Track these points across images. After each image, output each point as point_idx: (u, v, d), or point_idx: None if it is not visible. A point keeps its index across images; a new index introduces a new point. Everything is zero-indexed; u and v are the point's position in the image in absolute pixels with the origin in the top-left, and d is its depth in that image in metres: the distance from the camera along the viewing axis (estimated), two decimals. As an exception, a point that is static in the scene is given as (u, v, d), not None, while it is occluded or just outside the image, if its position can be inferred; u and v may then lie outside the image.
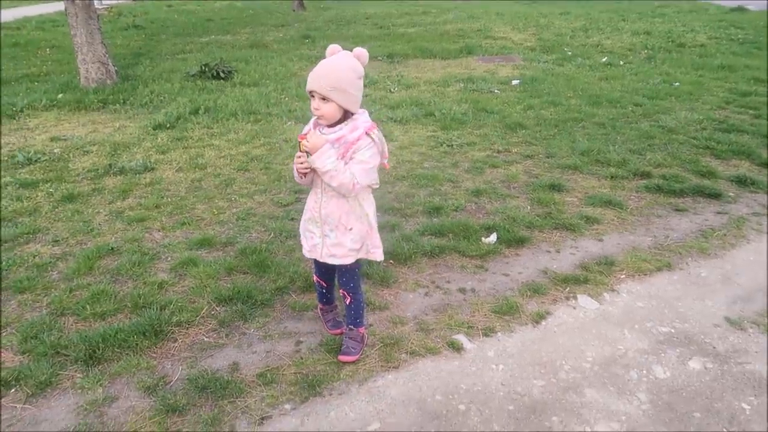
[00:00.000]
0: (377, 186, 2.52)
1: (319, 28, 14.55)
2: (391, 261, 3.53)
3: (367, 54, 2.39)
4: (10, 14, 18.42)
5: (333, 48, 2.41)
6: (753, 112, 6.67)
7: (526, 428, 2.32)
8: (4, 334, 2.90)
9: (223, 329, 2.92)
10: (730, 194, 4.49)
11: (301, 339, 2.85)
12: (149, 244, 3.83)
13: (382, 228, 3.89)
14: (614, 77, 8.70)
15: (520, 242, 3.75)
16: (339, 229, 2.49)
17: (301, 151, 2.35)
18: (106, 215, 4.28)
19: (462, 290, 3.25)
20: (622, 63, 9.85)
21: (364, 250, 2.59)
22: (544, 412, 2.40)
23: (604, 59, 10.16)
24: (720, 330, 2.91)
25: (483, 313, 3.04)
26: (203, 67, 8.92)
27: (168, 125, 6.55)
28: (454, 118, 6.64)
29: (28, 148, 5.70)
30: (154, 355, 2.73)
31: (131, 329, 2.83)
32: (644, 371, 2.62)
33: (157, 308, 3.04)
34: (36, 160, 5.39)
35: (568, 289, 3.25)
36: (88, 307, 3.07)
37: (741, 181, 4.68)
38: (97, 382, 2.53)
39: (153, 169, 5.22)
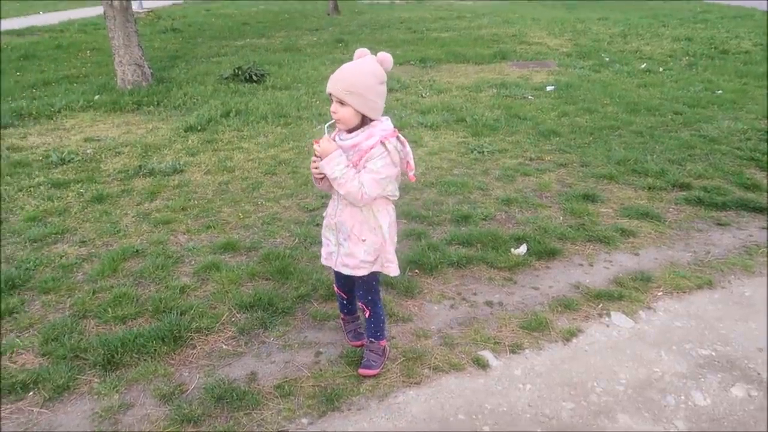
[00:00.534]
0: (395, 197, 2.43)
1: (352, 32, 14.56)
2: (416, 271, 3.43)
3: (391, 59, 2.31)
4: (55, 17, 18.98)
5: (360, 52, 2.34)
6: (802, 122, 6.36)
7: (554, 454, 2.20)
8: (26, 335, 2.91)
9: (242, 337, 2.86)
10: (777, 208, 4.26)
11: (321, 350, 2.77)
12: (174, 247, 3.82)
13: (408, 235, 3.84)
14: (653, 84, 8.42)
15: (551, 254, 3.60)
16: (351, 239, 2.42)
17: (315, 155, 2.29)
18: (133, 217, 4.29)
19: (489, 303, 3.13)
20: (661, 69, 9.54)
21: (378, 263, 2.49)
22: (573, 437, 2.27)
23: (642, 66, 9.87)
24: (765, 354, 2.73)
25: (510, 328, 2.92)
26: (236, 70, 8.98)
27: (199, 127, 6.59)
28: (485, 124, 6.51)
29: (62, 148, 5.80)
30: (172, 361, 2.69)
31: (151, 334, 2.80)
32: (682, 397, 2.46)
33: (177, 313, 3.00)
34: (69, 161, 5.46)
35: (601, 305, 3.09)
36: (109, 310, 3.06)
37: (789, 195, 4.44)
38: (113, 388, 2.50)
39: (182, 171, 5.24)
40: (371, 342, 2.65)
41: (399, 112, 6.96)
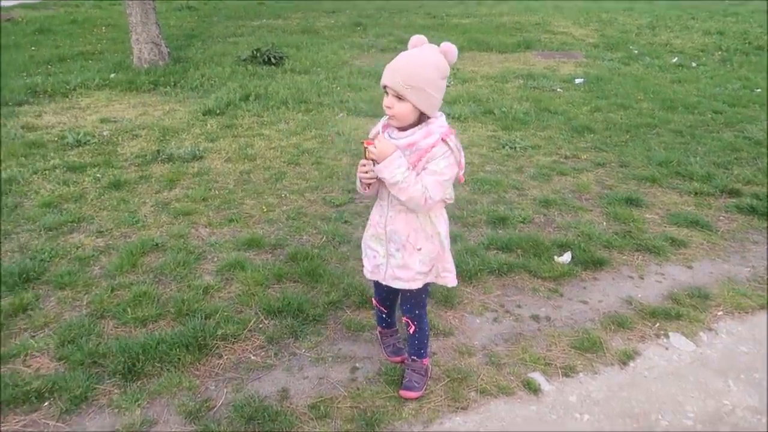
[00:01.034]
0: (452, 201, 2.20)
1: (370, 16, 14.20)
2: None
3: (456, 51, 2.07)
4: (68, -9, 18.64)
5: (417, 39, 2.09)
6: None
7: (621, 499, 1.99)
8: (41, 335, 2.71)
9: (271, 347, 2.65)
10: (835, 221, 3.99)
11: (357, 365, 2.56)
12: (195, 241, 3.61)
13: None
14: (687, 80, 8.09)
15: (598, 264, 3.37)
16: (406, 249, 2.19)
17: (366, 158, 2.05)
18: (152, 206, 4.08)
19: (535, 318, 2.91)
20: (694, 65, 9.19)
21: (433, 273, 2.28)
22: (641, 479, 2.06)
23: (674, 60, 9.51)
24: (842, 388, 2.50)
25: (561, 347, 2.69)
26: (254, 52, 8.71)
27: (218, 111, 6.35)
28: (515, 118, 6.24)
29: (78, 129, 5.57)
30: (197, 372, 2.49)
31: (174, 341, 2.60)
32: (758, 436, 2.24)
33: (201, 317, 2.80)
34: (85, 143, 5.25)
35: (657, 324, 2.86)
36: (129, 310, 2.86)
37: None
38: (135, 402, 2.30)
39: (201, 157, 5.01)
40: (413, 360, 2.44)
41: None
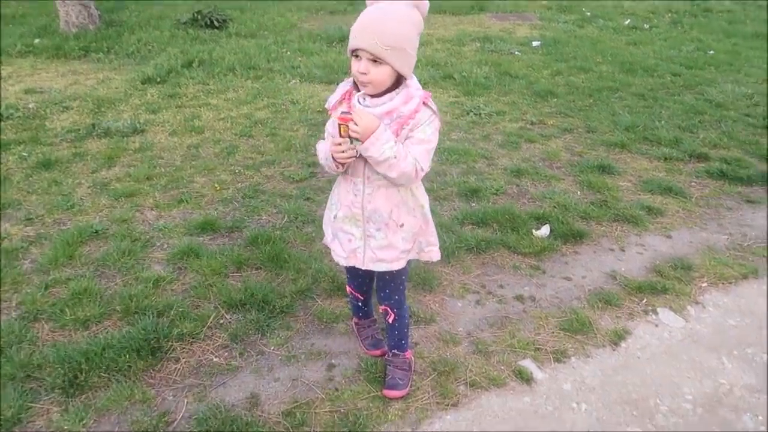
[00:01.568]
0: (427, 170, 1.94)
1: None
2: (430, 257, 2.98)
3: (428, 4, 1.79)
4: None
5: None
6: (802, 86, 6.12)
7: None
8: (-38, 344, 2.33)
9: (235, 345, 2.37)
10: (801, 183, 3.98)
11: (333, 362, 2.32)
12: (141, 226, 3.24)
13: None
14: (642, 42, 8.04)
15: (577, 237, 3.21)
16: (389, 227, 1.94)
17: (342, 135, 1.76)
18: (89, 187, 3.66)
19: (519, 298, 2.73)
20: (647, 27, 9.17)
21: (415, 249, 2.05)
22: (647, 472, 1.92)
23: (627, 22, 9.46)
24: (832, 359, 2.44)
25: (550, 330, 2.53)
26: (195, 15, 8.10)
27: (158, 79, 5.85)
28: (477, 83, 6.01)
29: (-3, 101, 4.99)
30: (152, 381, 2.18)
31: (122, 345, 2.27)
32: (760, 417, 2.14)
33: (153, 315, 2.48)
34: (8, 117, 4.71)
35: (645, 300, 2.74)
36: (67, 310, 2.50)
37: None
38: (79, 421, 1.99)
39: (143, 131, 4.57)
40: (395, 354, 2.21)
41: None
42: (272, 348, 2.37)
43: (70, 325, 2.44)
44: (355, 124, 1.71)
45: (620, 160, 4.27)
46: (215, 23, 8.06)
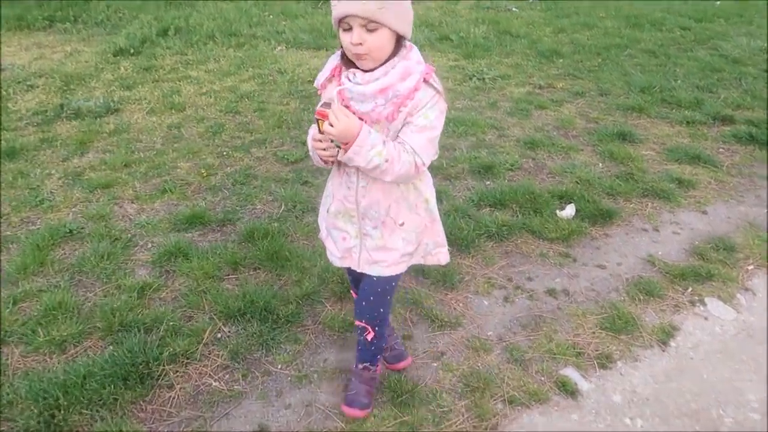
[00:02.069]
0: (436, 157, 1.62)
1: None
2: (449, 247, 2.67)
3: None
4: None
5: None
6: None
7: None
8: None
9: (237, 365, 2.07)
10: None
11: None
12: (121, 222, 2.89)
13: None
14: (644, -7, 7.64)
15: (606, 217, 2.92)
16: (386, 225, 1.64)
17: (322, 132, 1.44)
18: (59, 178, 3.28)
19: (551, 292, 2.45)
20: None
21: (420, 252, 1.75)
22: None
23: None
24: None
25: (589, 329, 2.25)
26: (168, -23, 7.52)
27: (131, 51, 5.40)
28: (476, 44, 5.63)
29: (-46, 81, 4.54)
30: (143, 415, 1.88)
31: (106, 371, 1.96)
32: (838, 427, 1.90)
33: (140, 331, 2.16)
34: (-35, 98, 4.27)
35: (690, 289, 2.46)
36: (40, 330, 2.18)
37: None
38: (59, 472, 1.69)
39: (117, 110, 4.17)
40: (365, 368, 1.91)
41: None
42: (279, 366, 2.07)
43: (44, 348, 2.12)
44: (333, 123, 1.40)
45: (639, 125, 3.96)
46: (190, -14, 7.49)
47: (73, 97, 4.34)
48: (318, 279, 2.46)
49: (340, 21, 1.42)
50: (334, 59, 1.56)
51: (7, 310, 2.28)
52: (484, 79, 4.73)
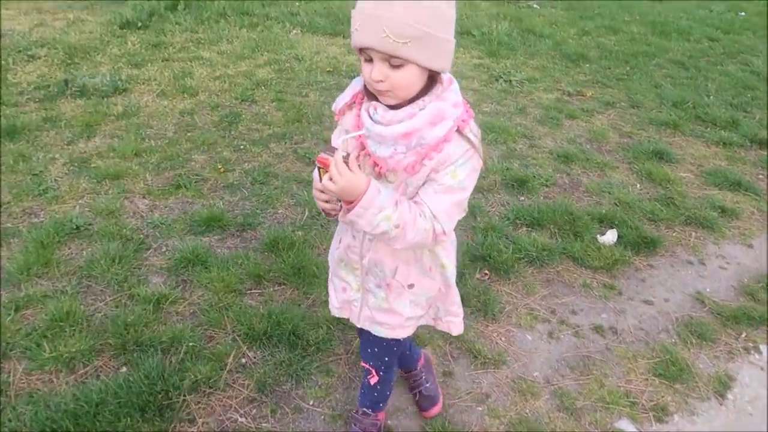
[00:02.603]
0: (465, 214, 1.36)
1: None
2: (486, 272, 2.50)
3: None
4: None
5: None
6: None
7: None
8: None
9: (265, 399, 1.89)
10: None
11: (389, 423, 1.86)
12: (132, 220, 2.68)
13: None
14: (668, -2, 7.46)
15: (650, 246, 2.76)
16: (392, 288, 1.43)
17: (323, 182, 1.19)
18: (64, 164, 3.05)
19: (598, 329, 2.29)
20: (669, -20, 8.54)
21: (430, 314, 1.57)
22: None
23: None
24: None
25: (641, 375, 2.10)
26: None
27: (139, 24, 5.11)
28: (500, 42, 5.42)
29: (-51, 46, 4.24)
30: (162, 454, 1.70)
31: (121, 399, 1.77)
32: None
33: (157, 352, 1.97)
34: (-39, 66, 3.98)
35: (744, 334, 2.32)
36: (45, 344, 1.98)
37: None
38: None
39: (126, 90, 3.91)
40: (364, 414, 1.75)
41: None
42: (311, 403, 1.89)
43: (50, 365, 1.92)
44: (334, 176, 1.15)
45: (675, 143, 3.80)
46: (200, -43, 7.14)
47: (77, 71, 4.07)
48: (349, 300, 2.27)
49: (361, 50, 1.18)
50: (357, 83, 1.31)
51: (9, 318, 2.08)
52: (510, 81, 4.53)
